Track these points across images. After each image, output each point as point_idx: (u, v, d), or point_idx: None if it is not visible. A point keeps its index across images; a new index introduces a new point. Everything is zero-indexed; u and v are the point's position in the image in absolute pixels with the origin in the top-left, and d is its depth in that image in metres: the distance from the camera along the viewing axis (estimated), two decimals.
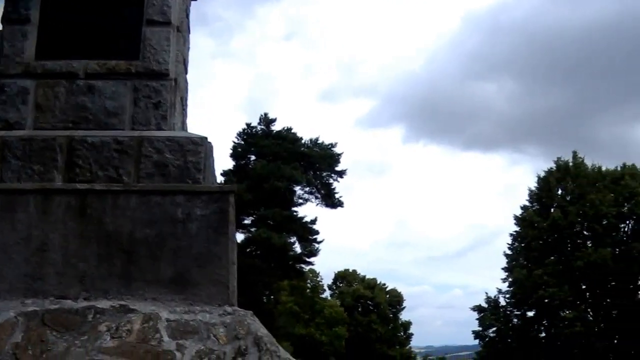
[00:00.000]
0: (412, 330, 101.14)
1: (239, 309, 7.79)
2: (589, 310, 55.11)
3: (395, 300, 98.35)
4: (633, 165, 57.87)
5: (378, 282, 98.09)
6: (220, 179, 50.20)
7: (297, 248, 53.29)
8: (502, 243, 58.69)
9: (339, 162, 54.23)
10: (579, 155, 58.81)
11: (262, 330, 7.59)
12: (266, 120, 54.92)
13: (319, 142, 54.44)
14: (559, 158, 59.08)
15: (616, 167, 58.23)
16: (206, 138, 8.48)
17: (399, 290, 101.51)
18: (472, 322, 58.41)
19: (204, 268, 7.80)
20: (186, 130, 9.64)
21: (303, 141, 54.35)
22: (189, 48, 10.23)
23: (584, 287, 55.88)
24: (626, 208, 55.37)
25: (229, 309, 7.69)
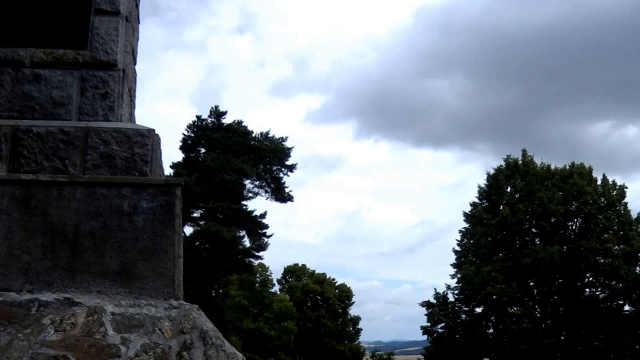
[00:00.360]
0: (361, 325, 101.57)
1: (185, 302, 7.72)
2: (536, 306, 55.70)
3: (345, 295, 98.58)
4: (581, 164, 58.59)
5: (327, 276, 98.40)
6: (169, 171, 49.99)
7: (247, 242, 53.25)
8: (452, 239, 59.14)
9: (289, 156, 54.22)
10: (529, 154, 59.43)
11: (208, 325, 7.53)
12: (217, 113, 54.69)
13: (270, 135, 54.37)
14: (508, 156, 59.66)
15: (565, 165, 58.90)
16: (154, 130, 8.37)
17: (348, 285, 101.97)
18: (421, 317, 58.83)
19: (150, 261, 7.71)
20: (134, 122, 9.52)
21: (253, 135, 54.25)
22: (138, 39, 10.11)
23: (531, 284, 56.50)
24: (574, 206, 56.04)
25: (174, 302, 7.62)
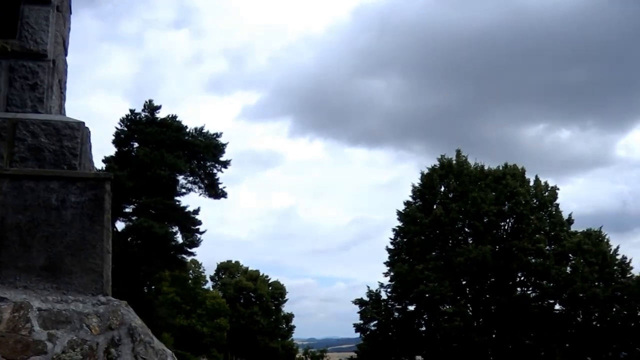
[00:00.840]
0: (294, 322, 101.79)
1: (113, 298, 7.60)
2: (468, 305, 56.16)
3: (278, 292, 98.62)
4: (514, 165, 59.26)
5: (261, 274, 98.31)
6: (102, 165, 49.37)
7: (179, 238, 52.84)
8: (386, 238, 59.40)
9: (223, 152, 53.95)
10: (463, 154, 59.89)
11: (137, 321, 7.42)
12: (150, 107, 54.14)
13: (204, 131, 54.03)
14: (442, 156, 60.01)
15: (498, 166, 59.47)
16: (83, 123, 8.21)
17: (282, 282, 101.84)
18: (354, 315, 58.90)
19: (77, 256, 7.56)
20: (64, 114, 9.34)
21: (188, 130, 53.86)
22: (69, 29, 9.92)
23: (464, 282, 56.97)
24: (507, 207, 56.64)
25: (102, 298, 7.49)
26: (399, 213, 59.28)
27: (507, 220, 57.70)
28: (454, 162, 59.38)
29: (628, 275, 55.36)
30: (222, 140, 54.05)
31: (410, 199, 59.96)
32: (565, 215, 59.05)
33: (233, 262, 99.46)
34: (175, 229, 52.50)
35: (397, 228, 59.44)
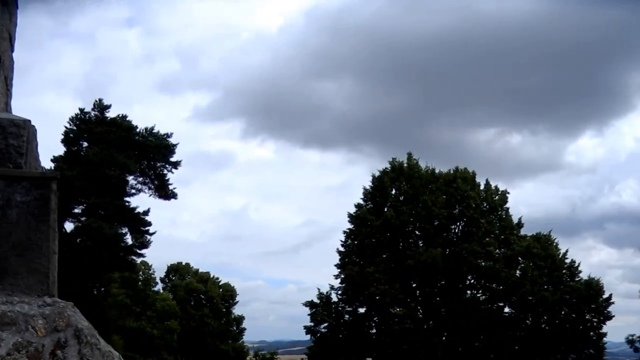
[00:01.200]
0: (245, 324, 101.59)
1: (60, 300, 7.46)
2: (419, 307, 56.39)
3: (229, 294, 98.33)
4: (465, 168, 59.62)
5: (211, 275, 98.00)
6: (50, 165, 48.79)
7: (129, 239, 52.46)
8: (337, 240, 59.44)
9: (174, 152, 53.70)
10: (414, 157, 60.08)
11: (83, 323, 7.29)
12: (100, 107, 53.62)
13: (154, 131, 53.67)
14: (394, 159, 60.17)
15: (449, 170, 59.73)
16: (29, 121, 8.04)
17: (232, 284, 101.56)
18: (305, 317, 58.73)
19: (23, 257, 7.41)
20: (10, 112, 9.15)
21: (138, 130, 53.48)
22: (16, 24, 9.71)
23: (414, 285, 57.18)
24: (457, 210, 56.97)
25: (48, 300, 7.35)
26: (349, 215, 59.28)
27: (458, 224, 58.05)
28: (405, 165, 59.57)
29: (576, 279, 56.08)
30: (172, 140, 53.79)
31: (361, 202, 60.00)
32: (515, 219, 59.65)
33: (183, 263, 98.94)
34: (125, 230, 52.14)
35: (347, 230, 59.41)
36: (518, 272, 55.72)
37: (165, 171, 54.11)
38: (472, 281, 57.58)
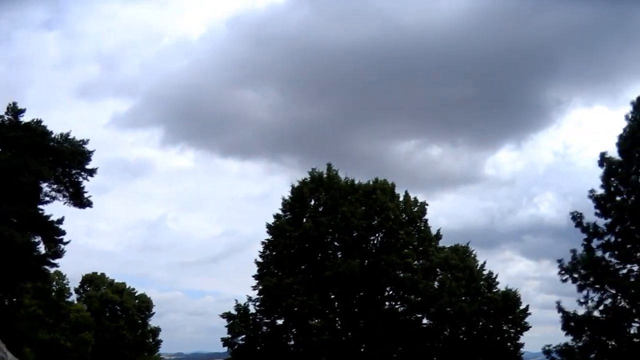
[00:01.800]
0: (161, 336, 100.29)
1: None
2: (337, 319, 56.08)
3: (145, 305, 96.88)
4: (385, 180, 59.64)
5: (127, 286, 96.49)
6: None
7: (42, 248, 51.25)
8: (256, 251, 58.76)
9: (89, 159, 52.65)
10: (334, 168, 59.86)
11: None
12: (14, 110, 52.26)
13: (70, 137, 52.52)
14: (313, 169, 59.83)
15: (369, 181, 59.68)
16: None
17: (149, 295, 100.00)
18: (223, 329, 57.95)
19: None
20: None
21: (53, 135, 52.26)
22: None
23: (332, 296, 56.88)
24: (376, 221, 56.92)
25: None
26: (268, 226, 58.73)
27: (377, 235, 57.94)
28: (325, 175, 59.29)
29: (494, 290, 56.36)
30: (89, 147, 52.72)
31: (280, 212, 59.52)
32: (434, 231, 59.85)
33: (99, 274, 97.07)
34: (38, 238, 50.94)
35: (266, 241, 58.84)
36: (436, 283, 55.74)
37: (81, 178, 53.04)
38: (390, 292, 57.47)
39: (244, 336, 57.29)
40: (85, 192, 52.96)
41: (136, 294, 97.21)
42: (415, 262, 56.61)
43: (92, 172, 52.91)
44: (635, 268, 40.68)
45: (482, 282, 56.70)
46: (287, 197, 59.44)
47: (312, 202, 59.41)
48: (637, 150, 41.07)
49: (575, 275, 41.24)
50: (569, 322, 40.91)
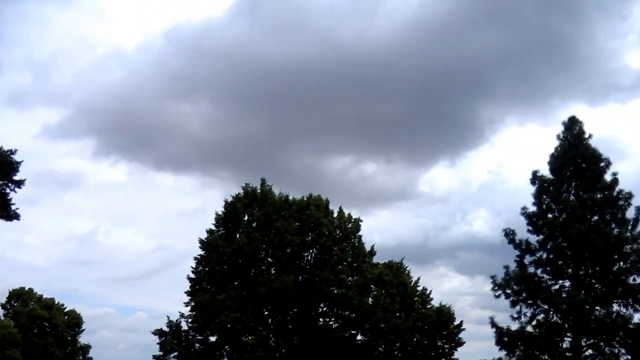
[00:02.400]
0: (92, 354, 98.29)
1: None
2: (271, 336, 55.68)
3: (74, 321, 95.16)
4: (319, 196, 59.59)
5: (56, 302, 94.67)
6: None
7: None
8: (189, 266, 58.11)
9: (17, 170, 51.49)
10: (267, 183, 59.65)
11: None
12: None
13: None
14: (247, 184, 59.50)
15: (303, 196, 59.61)
16: None
17: (79, 311, 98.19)
18: (155, 346, 57.20)
19: None
20: None
21: None
22: None
23: (266, 313, 56.55)
24: (310, 237, 56.76)
25: None
26: (201, 241, 58.20)
27: (310, 251, 57.78)
28: (259, 191, 59.06)
29: (428, 306, 56.77)
30: (17, 157, 51.57)
31: (213, 227, 59.07)
32: (368, 247, 60.00)
33: (26, 289, 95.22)
34: None
35: (199, 257, 58.32)
36: (370, 299, 55.85)
37: (8, 190, 51.85)
38: (324, 309, 57.32)
39: (176, 353, 56.61)
40: (13, 204, 51.67)
41: (65, 310, 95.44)
42: (350, 278, 56.52)
43: (20, 184, 51.65)
44: (567, 284, 41.38)
45: (416, 298, 57.07)
46: (220, 212, 59.01)
47: (246, 218, 59.03)
48: (568, 169, 41.92)
49: (508, 291, 41.77)
50: (503, 337, 41.35)
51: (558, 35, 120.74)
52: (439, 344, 55.72)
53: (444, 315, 55.43)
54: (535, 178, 42.41)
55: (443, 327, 55.35)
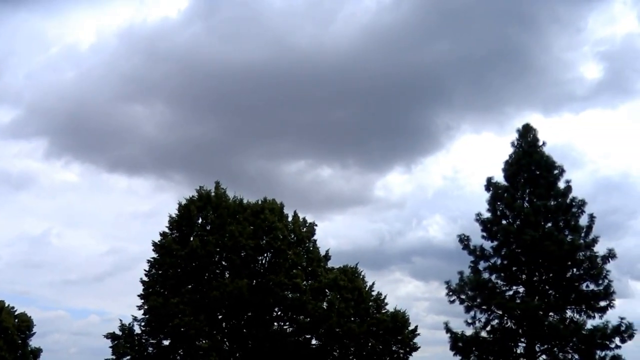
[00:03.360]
0: (43, 357, 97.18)
1: None
2: (225, 340, 55.53)
3: (25, 325, 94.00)
4: (273, 200, 59.55)
5: (6, 304, 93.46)
6: None
7: None
8: (142, 269, 57.70)
9: None
10: (222, 186, 59.49)
11: None
12: None
13: None
14: (201, 187, 59.23)
15: (257, 200, 59.55)
16: None
17: (30, 314, 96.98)
18: (107, 350, 56.68)
19: None
20: None
21: None
22: None
23: (220, 317, 56.31)
24: (264, 241, 56.71)
25: None
26: (154, 244, 57.82)
27: (265, 255, 57.63)
28: (213, 194, 58.84)
29: (383, 311, 56.94)
30: None
31: (167, 230, 58.72)
32: (322, 251, 60.09)
33: None
34: None
35: (152, 259, 57.91)
36: (325, 304, 55.94)
37: None
38: (279, 313, 57.18)
39: (129, 357, 56.12)
40: None
41: (16, 313, 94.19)
42: (304, 282, 56.50)
43: None
44: (521, 290, 41.80)
45: (371, 303, 57.19)
46: (174, 215, 58.70)
47: (200, 221, 58.75)
48: (522, 176, 42.38)
49: (463, 297, 42.08)
50: (457, 342, 41.62)
51: (515, 45, 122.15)
52: (393, 348, 55.85)
53: (399, 320, 55.65)
54: (490, 185, 42.80)
55: (398, 332, 55.55)
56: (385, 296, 58.43)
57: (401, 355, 56.17)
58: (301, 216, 60.30)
